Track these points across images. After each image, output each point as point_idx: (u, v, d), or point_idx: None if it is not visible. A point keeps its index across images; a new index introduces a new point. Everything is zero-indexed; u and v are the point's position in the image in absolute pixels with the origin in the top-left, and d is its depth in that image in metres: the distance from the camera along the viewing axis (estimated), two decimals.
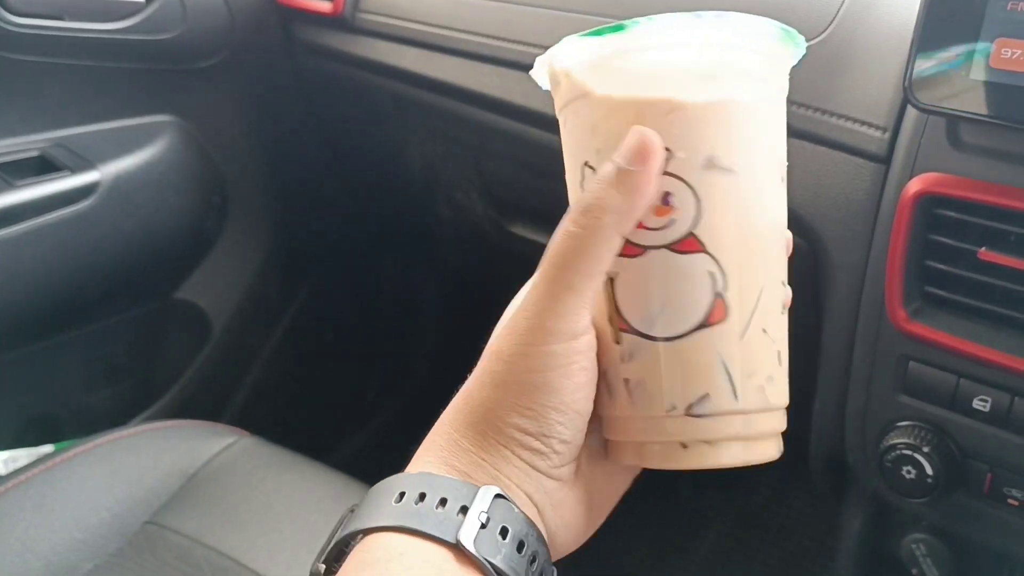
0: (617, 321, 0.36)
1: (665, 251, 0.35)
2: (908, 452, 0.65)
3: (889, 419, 0.68)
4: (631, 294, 0.36)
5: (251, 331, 1.24)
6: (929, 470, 0.65)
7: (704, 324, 0.35)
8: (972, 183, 0.60)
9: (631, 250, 0.36)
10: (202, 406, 1.17)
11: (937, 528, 0.76)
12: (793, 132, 0.70)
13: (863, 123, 0.68)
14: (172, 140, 1.10)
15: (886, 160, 0.66)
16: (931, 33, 0.58)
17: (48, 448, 1.14)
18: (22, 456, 1.13)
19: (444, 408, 0.38)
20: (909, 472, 0.65)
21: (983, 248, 0.61)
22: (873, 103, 0.68)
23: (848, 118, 0.69)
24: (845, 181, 0.69)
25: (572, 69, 0.37)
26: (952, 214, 0.62)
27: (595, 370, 0.37)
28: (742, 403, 0.36)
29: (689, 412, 0.36)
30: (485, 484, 0.36)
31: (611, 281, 0.36)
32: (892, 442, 0.66)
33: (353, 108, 1.16)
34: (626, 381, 0.37)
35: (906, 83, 0.59)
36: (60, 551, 0.80)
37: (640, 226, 0.35)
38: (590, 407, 0.37)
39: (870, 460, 0.69)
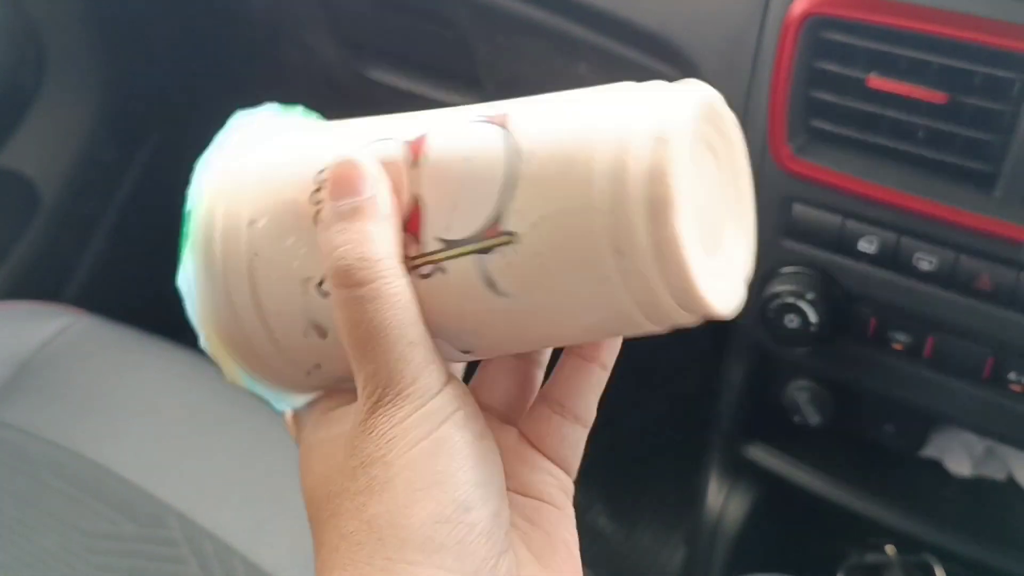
0: None
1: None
2: (791, 300, 0.63)
3: (771, 266, 0.65)
4: None
5: (87, 200, 1.14)
6: (813, 318, 0.62)
7: None
8: (863, 1, 0.55)
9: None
10: (37, 287, 1.07)
11: (820, 375, 0.75)
12: None
13: None
14: None
15: None
16: None
17: None
18: None
19: None
20: (792, 321, 0.63)
21: (872, 74, 0.56)
22: None
23: None
24: (723, 2, 0.63)
25: None
26: (840, 37, 0.57)
27: None
28: None
29: None
30: None
31: None
32: (774, 290, 0.63)
33: None
34: None
35: None
36: None
37: None
38: None
39: (751, 311, 0.66)
